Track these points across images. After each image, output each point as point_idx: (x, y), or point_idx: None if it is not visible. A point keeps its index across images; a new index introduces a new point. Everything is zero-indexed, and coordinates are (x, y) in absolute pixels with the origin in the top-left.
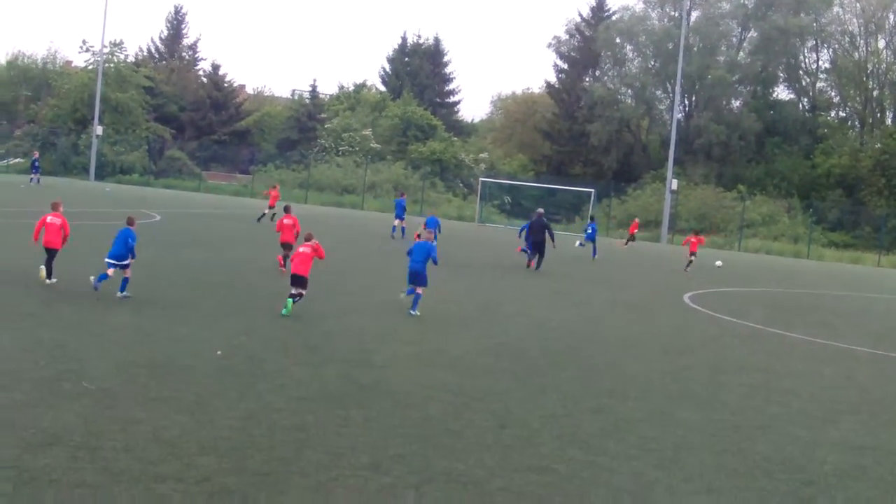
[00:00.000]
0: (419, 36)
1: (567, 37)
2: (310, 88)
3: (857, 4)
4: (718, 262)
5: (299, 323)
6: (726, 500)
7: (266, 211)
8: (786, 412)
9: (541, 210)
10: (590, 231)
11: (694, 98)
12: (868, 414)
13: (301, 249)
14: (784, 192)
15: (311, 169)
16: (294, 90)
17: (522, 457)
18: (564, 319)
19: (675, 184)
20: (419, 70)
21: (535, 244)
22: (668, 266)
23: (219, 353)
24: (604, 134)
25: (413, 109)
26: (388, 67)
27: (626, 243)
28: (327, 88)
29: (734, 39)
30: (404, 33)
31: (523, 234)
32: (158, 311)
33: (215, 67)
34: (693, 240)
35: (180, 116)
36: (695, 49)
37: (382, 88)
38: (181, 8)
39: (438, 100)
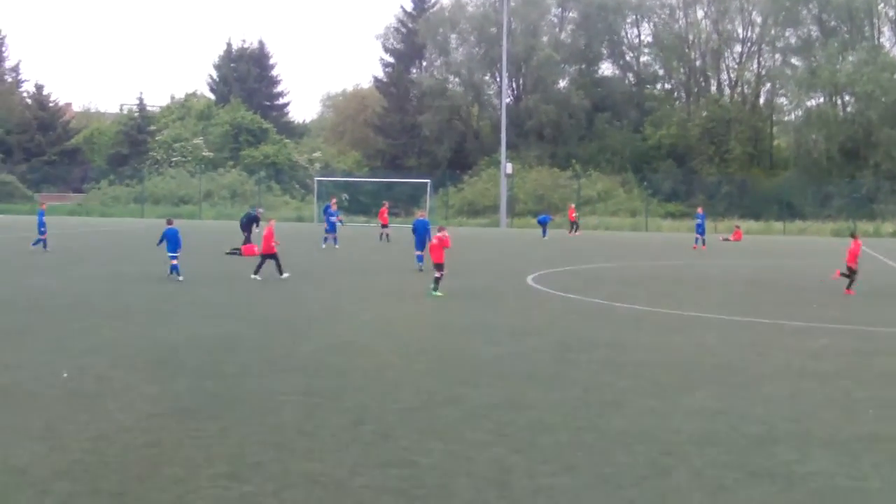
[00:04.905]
0: (244, 40)
1: (392, 30)
2: (137, 101)
3: None
4: None
5: (146, 339)
6: (586, 476)
7: (382, 231)
8: (638, 384)
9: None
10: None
11: (521, 80)
12: (718, 379)
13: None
14: (618, 167)
15: (146, 182)
16: (122, 105)
17: (381, 452)
18: (409, 312)
19: (509, 167)
20: (246, 75)
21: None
22: (508, 250)
23: (65, 375)
24: (435, 124)
25: (243, 114)
26: (214, 74)
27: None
28: (158, 100)
29: (555, 19)
30: (229, 39)
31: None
32: None
33: (39, 87)
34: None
35: (7, 140)
36: (517, 31)
37: (211, 96)
38: (0, 31)
39: (267, 103)
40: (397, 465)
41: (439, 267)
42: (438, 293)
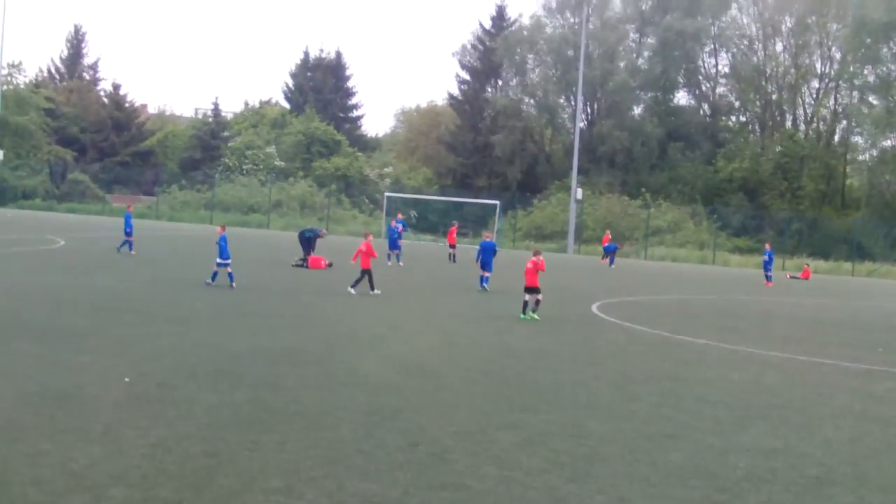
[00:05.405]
0: (322, 50)
1: (470, 48)
2: (212, 107)
3: (754, 8)
4: None
5: (208, 348)
6: None
7: (450, 251)
8: (696, 419)
9: None
10: (766, 259)
11: (596, 105)
12: (778, 417)
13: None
14: (688, 198)
15: (216, 189)
16: (197, 109)
17: (436, 474)
18: (473, 334)
19: (579, 193)
20: (322, 85)
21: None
22: (574, 276)
23: (127, 380)
24: (507, 145)
25: (316, 125)
26: (290, 83)
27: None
28: (233, 106)
29: (632, 45)
30: (306, 48)
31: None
32: (63, 339)
33: (116, 87)
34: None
35: (82, 138)
36: (595, 55)
37: (286, 105)
38: (81, 28)
39: (341, 114)
40: (450, 489)
41: (532, 291)
42: (536, 316)
